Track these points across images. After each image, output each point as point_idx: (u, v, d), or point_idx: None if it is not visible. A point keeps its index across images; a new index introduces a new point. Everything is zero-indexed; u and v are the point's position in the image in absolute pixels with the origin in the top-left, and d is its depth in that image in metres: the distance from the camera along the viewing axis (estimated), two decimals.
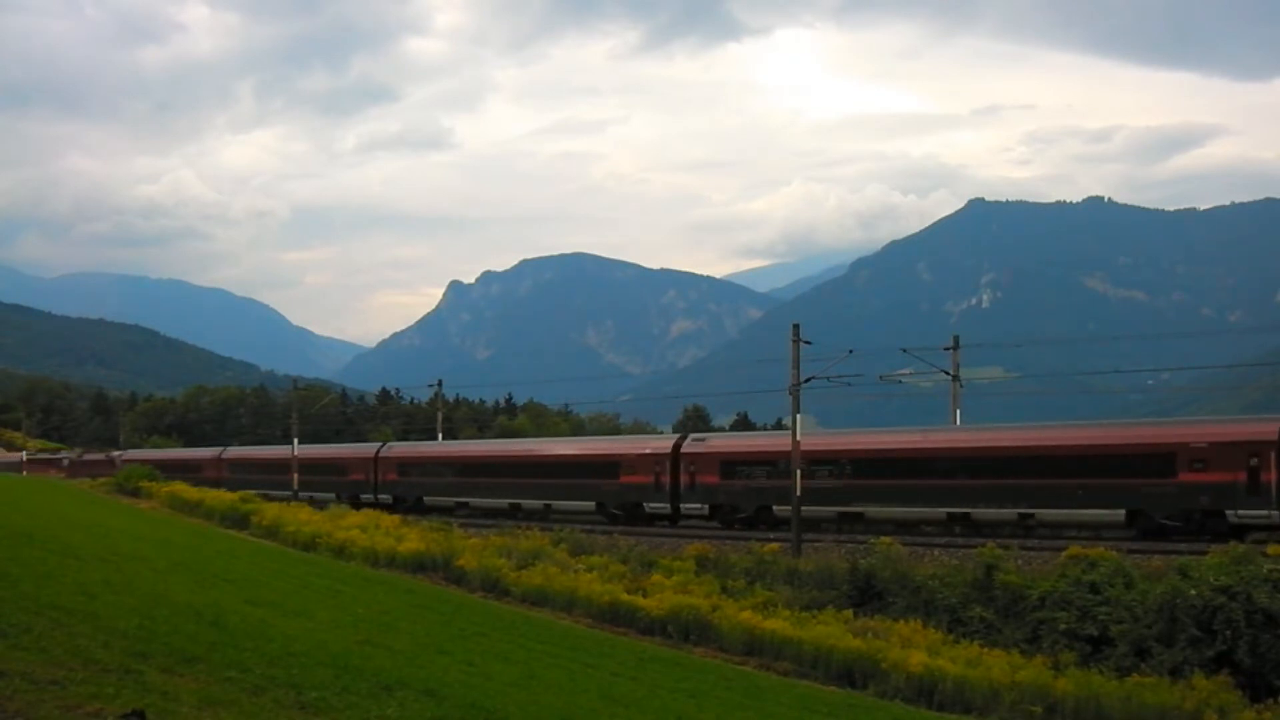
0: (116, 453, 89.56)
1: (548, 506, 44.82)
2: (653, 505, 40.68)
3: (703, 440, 42.13)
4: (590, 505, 43.05)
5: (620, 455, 43.51)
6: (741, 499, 38.39)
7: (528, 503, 45.61)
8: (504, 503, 46.39)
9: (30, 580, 12.97)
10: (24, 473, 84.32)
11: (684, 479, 39.92)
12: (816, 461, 36.03)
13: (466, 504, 47.65)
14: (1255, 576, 20.26)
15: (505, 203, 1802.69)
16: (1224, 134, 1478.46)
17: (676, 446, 41.18)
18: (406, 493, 51.29)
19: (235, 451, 75.70)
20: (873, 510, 34.97)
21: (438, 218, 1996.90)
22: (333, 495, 53.05)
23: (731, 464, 39.26)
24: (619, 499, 42.02)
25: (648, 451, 42.44)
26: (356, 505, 47.33)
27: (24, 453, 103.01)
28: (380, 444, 60.22)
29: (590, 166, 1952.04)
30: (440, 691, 11.02)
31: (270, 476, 60.21)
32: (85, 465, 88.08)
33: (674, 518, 40.09)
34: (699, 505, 39.39)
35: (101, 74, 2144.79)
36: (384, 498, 51.51)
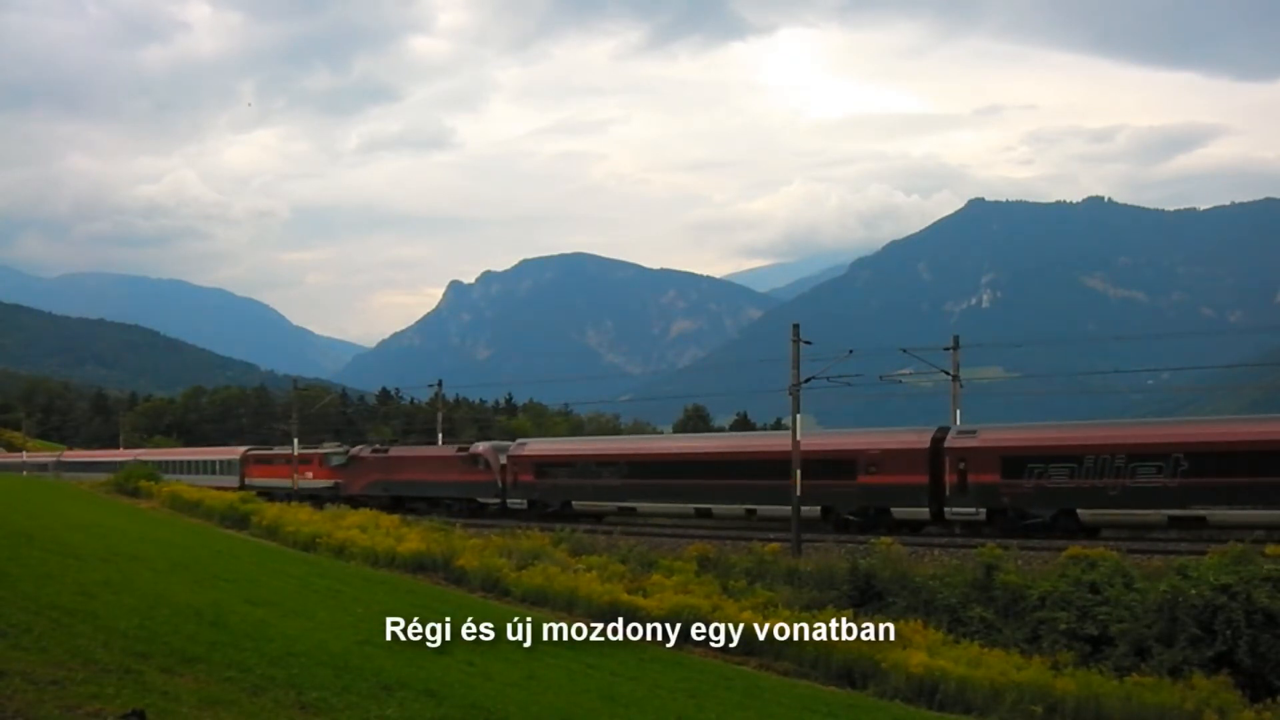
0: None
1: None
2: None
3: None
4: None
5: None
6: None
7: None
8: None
9: (30, 580, 12.99)
10: (242, 476, 58.13)
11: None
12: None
13: None
14: (1255, 576, 20.27)
15: (505, 203, 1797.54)
16: (1225, 134, 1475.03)
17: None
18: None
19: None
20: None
21: (438, 218, 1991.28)
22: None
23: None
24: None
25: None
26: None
27: (243, 449, 64.48)
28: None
29: (591, 166, 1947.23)
30: (440, 691, 11.03)
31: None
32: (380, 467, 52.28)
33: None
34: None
35: (102, 74, 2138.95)
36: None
